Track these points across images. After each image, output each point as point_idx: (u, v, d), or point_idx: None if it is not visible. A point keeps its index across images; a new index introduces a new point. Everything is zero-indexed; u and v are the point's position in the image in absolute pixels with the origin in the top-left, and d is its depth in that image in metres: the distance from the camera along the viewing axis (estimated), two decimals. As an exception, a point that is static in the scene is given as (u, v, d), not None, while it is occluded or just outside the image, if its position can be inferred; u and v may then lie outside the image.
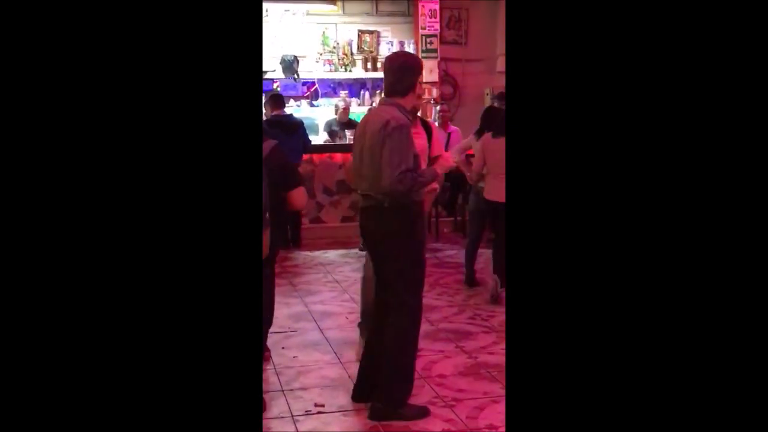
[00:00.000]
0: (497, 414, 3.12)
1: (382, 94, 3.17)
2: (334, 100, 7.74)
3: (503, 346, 3.98)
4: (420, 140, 3.48)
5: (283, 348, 4.02)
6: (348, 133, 7.24)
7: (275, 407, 3.23)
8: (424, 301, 4.93)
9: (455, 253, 6.40)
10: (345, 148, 6.72)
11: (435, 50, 7.97)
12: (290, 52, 7.67)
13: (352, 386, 3.44)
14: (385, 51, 8.14)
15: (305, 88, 7.92)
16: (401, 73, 3.05)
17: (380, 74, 7.79)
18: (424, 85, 7.92)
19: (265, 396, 3.25)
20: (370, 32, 8.14)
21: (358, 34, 8.10)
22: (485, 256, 5.76)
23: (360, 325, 3.81)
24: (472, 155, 5.25)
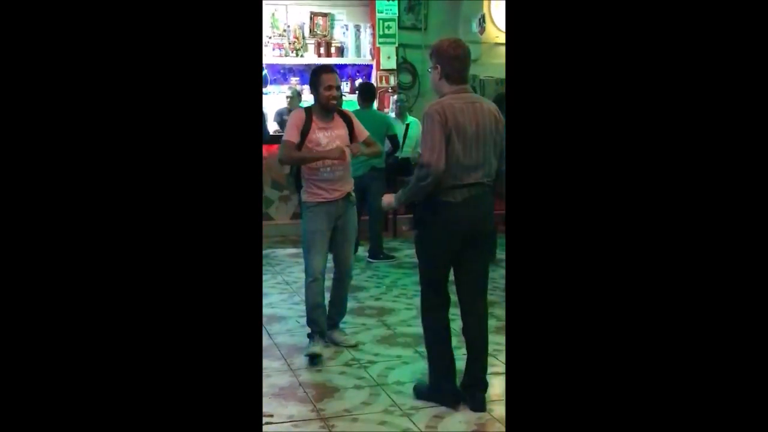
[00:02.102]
0: (457, 423, 3.17)
1: (445, 79, 3.25)
2: (284, 87, 7.68)
3: (464, 350, 4.02)
4: (338, 131, 3.95)
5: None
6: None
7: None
8: (380, 304, 5.01)
9: (414, 253, 6.43)
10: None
11: (393, 35, 8.00)
12: (236, 35, 7.57)
13: (302, 395, 3.45)
14: (339, 35, 8.12)
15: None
16: (468, 60, 3.27)
17: (333, 60, 7.90)
18: (380, 73, 7.95)
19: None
20: (324, 15, 8.10)
21: (311, 17, 8.05)
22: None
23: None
24: None
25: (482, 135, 3.19)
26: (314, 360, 3.89)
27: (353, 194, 4.07)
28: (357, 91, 6.55)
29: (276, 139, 7.10)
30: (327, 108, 3.91)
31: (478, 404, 3.31)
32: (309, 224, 3.92)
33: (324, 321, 4.05)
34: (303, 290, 5.30)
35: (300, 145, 3.87)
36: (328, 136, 3.90)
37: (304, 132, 3.86)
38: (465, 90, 3.26)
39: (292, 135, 3.86)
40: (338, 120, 4.00)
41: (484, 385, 3.35)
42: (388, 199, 3.51)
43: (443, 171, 3.10)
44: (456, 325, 3.41)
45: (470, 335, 3.37)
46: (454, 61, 3.21)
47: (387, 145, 6.19)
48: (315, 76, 3.95)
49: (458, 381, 3.40)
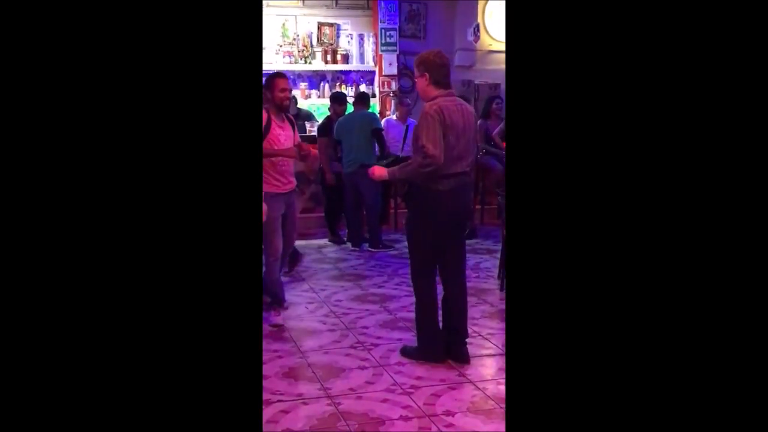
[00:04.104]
0: (453, 400, 3.16)
1: (433, 85, 3.42)
2: (295, 92, 7.68)
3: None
4: (288, 131, 4.27)
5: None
6: (308, 125, 7.16)
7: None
8: (382, 291, 5.00)
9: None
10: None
11: (394, 44, 7.96)
12: (250, 43, 7.56)
13: (310, 375, 3.44)
14: (344, 44, 8.10)
15: (264, 80, 7.77)
16: (449, 68, 3.50)
17: (339, 67, 7.90)
18: (383, 78, 7.93)
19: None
20: (330, 25, 8.07)
21: (318, 27, 8.02)
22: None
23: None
24: None
25: (467, 131, 3.43)
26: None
27: (297, 188, 4.46)
28: (353, 98, 6.80)
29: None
30: (281, 108, 4.22)
31: (464, 357, 3.58)
32: (270, 211, 4.09)
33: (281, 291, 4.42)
34: (312, 278, 5.33)
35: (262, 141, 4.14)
36: (284, 135, 4.22)
37: (266, 129, 4.14)
38: (451, 93, 3.46)
39: None
40: (287, 121, 4.32)
41: (465, 341, 3.63)
42: (380, 172, 3.63)
43: (442, 162, 3.30)
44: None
45: (456, 301, 3.61)
46: (441, 69, 3.41)
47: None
48: (270, 80, 4.23)
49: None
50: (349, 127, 6.21)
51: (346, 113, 6.56)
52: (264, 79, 4.52)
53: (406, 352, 3.69)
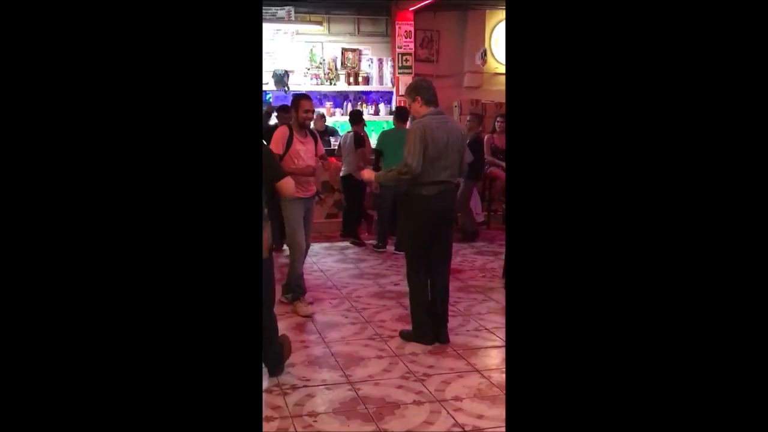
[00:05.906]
0: (462, 387, 3.17)
1: (425, 104, 3.63)
2: (321, 110, 7.76)
3: (468, 328, 4.05)
4: (309, 145, 4.43)
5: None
6: (332, 140, 7.21)
7: (266, 382, 3.25)
8: (398, 288, 5.02)
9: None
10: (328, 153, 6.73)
11: (410, 67, 8.02)
12: (281, 66, 7.65)
13: (333, 363, 3.48)
14: (365, 67, 8.17)
15: (291, 100, 7.83)
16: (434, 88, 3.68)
17: (361, 88, 7.96)
18: (399, 98, 7.98)
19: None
20: (353, 50, 8.14)
21: (342, 52, 8.10)
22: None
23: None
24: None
25: (451, 146, 3.56)
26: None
27: (318, 194, 4.65)
28: (393, 114, 6.60)
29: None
30: (304, 126, 4.41)
31: (444, 338, 3.76)
32: (292, 212, 4.29)
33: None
34: (334, 276, 5.38)
35: (284, 154, 4.29)
36: (305, 149, 4.38)
37: (288, 144, 4.33)
38: (439, 112, 3.63)
39: (278, 148, 4.28)
40: (309, 136, 4.47)
41: (446, 323, 3.78)
42: (368, 174, 3.88)
43: (419, 172, 3.49)
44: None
45: (438, 290, 3.76)
46: (428, 89, 3.62)
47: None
48: (296, 101, 4.43)
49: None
50: (396, 141, 5.69)
51: (389, 128, 6.40)
52: (291, 98, 4.69)
53: (403, 335, 3.84)
